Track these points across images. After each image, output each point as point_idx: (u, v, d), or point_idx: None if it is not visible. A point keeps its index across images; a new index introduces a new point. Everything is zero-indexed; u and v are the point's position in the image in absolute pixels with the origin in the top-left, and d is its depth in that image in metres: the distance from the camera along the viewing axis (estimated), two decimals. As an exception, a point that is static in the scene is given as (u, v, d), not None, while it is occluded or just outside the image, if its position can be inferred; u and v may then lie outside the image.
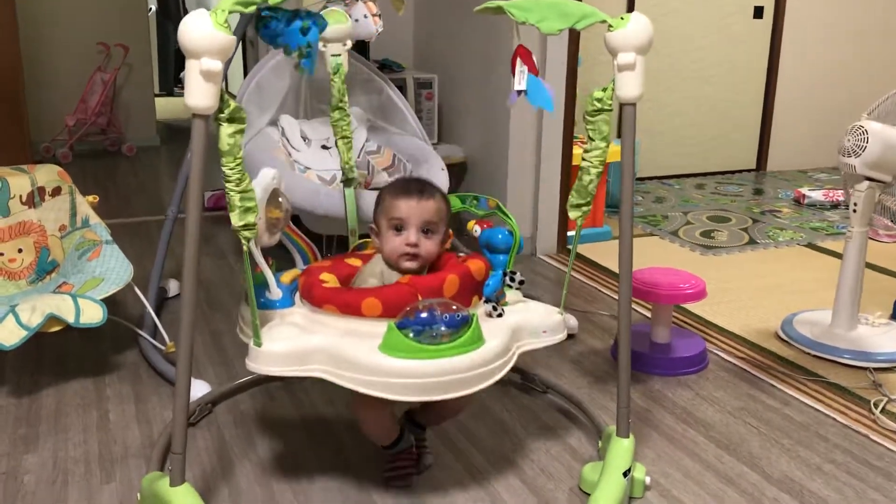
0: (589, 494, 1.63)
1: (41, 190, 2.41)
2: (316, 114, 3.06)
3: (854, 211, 2.32)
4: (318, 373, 1.49)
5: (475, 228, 1.89)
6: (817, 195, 4.27)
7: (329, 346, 1.48)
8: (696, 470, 1.79)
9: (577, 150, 3.34)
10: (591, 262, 3.23)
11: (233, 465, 1.77)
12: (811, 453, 1.86)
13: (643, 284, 2.24)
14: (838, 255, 3.28)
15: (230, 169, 1.38)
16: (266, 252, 1.62)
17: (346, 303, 1.55)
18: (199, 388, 2.03)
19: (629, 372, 1.66)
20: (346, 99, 1.97)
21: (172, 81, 8.73)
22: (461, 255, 1.75)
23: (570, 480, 1.74)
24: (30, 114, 4.31)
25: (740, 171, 5.10)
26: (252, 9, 1.33)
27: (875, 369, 2.27)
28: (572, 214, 1.68)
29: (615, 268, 3.09)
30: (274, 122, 2.83)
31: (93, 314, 2.02)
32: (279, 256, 1.74)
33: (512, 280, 1.72)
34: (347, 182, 2.04)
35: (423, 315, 1.46)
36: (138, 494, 1.60)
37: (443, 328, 1.46)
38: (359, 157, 2.82)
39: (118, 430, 1.91)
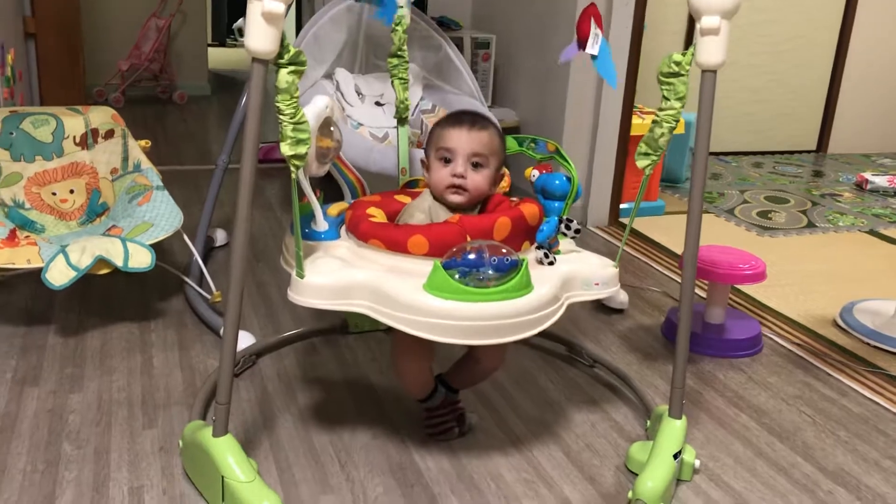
0: (635, 474, 1.58)
1: (94, 132, 2.40)
2: (371, 69, 3.00)
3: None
4: (360, 308, 1.44)
5: (533, 173, 1.80)
6: (881, 181, 4.11)
7: (372, 282, 1.43)
8: (746, 456, 1.73)
9: (636, 121, 3.24)
10: (642, 236, 3.15)
11: (274, 417, 1.76)
12: (869, 448, 1.79)
13: (701, 262, 2.15)
14: (904, 245, 3.17)
15: (286, 105, 1.33)
16: (314, 184, 1.58)
17: (393, 239, 1.50)
18: (244, 340, 2.01)
19: (687, 351, 1.59)
20: (405, 48, 1.91)
21: (225, 32, 8.73)
22: (514, 199, 1.68)
23: (616, 458, 1.69)
24: (85, 57, 4.32)
25: (800, 152, 4.94)
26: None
27: (939, 364, 2.18)
28: (640, 163, 1.58)
29: (667, 243, 3.05)
30: (329, 76, 2.78)
31: (141, 259, 2.01)
32: (327, 189, 1.69)
33: (568, 227, 1.63)
34: (401, 121, 1.99)
35: (471, 256, 1.40)
36: (180, 441, 1.59)
37: (490, 271, 1.40)
38: (413, 115, 2.77)
39: (161, 376, 1.90)
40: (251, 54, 1.28)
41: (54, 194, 2.34)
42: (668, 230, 3.19)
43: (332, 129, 1.59)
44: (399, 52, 1.91)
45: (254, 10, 1.25)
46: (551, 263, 1.57)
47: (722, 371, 2.11)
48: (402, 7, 1.87)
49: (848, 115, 4.93)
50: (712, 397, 1.97)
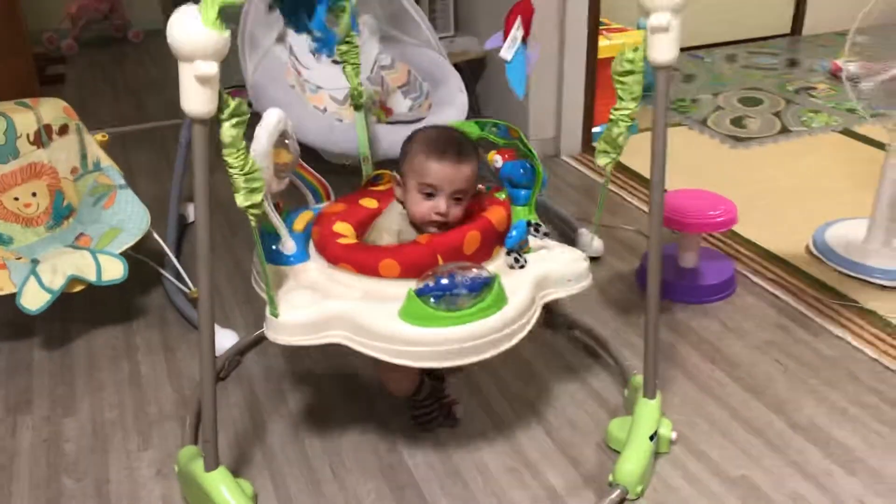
0: (616, 451, 1.65)
1: (48, 128, 2.33)
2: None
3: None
4: (339, 339, 1.47)
5: (496, 159, 1.80)
6: (855, 68, 4.04)
7: (348, 313, 1.45)
8: (722, 418, 1.79)
9: (603, 42, 3.15)
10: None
11: (264, 423, 1.81)
12: (839, 395, 1.85)
13: (670, 212, 2.16)
14: (876, 144, 3.16)
15: (234, 158, 1.31)
16: (276, 195, 1.58)
17: (363, 263, 1.51)
18: (227, 339, 2.03)
19: (657, 338, 1.63)
20: (353, 34, 1.86)
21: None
22: (484, 188, 1.71)
23: (596, 433, 1.75)
24: (27, 1, 4.08)
25: (773, 37, 4.82)
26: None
27: (910, 290, 2.22)
28: (601, 161, 1.61)
29: (640, 168, 3.02)
30: (281, 39, 2.67)
31: (114, 271, 2.01)
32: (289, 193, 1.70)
33: (536, 232, 1.68)
34: (357, 107, 1.96)
35: (444, 281, 1.43)
36: (175, 466, 1.64)
37: (463, 292, 1.43)
38: (371, 72, 2.68)
39: (150, 387, 1.94)
40: (189, 117, 1.24)
41: (16, 199, 2.30)
42: (640, 151, 3.10)
43: (287, 141, 1.56)
44: (348, 40, 1.85)
45: (186, 74, 1.21)
46: (522, 267, 1.59)
47: (696, 320, 2.15)
48: (345, -4, 1.79)
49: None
50: (687, 352, 2.02)
